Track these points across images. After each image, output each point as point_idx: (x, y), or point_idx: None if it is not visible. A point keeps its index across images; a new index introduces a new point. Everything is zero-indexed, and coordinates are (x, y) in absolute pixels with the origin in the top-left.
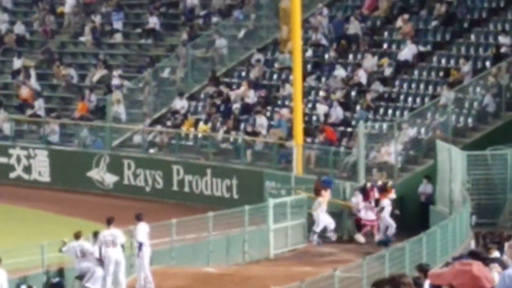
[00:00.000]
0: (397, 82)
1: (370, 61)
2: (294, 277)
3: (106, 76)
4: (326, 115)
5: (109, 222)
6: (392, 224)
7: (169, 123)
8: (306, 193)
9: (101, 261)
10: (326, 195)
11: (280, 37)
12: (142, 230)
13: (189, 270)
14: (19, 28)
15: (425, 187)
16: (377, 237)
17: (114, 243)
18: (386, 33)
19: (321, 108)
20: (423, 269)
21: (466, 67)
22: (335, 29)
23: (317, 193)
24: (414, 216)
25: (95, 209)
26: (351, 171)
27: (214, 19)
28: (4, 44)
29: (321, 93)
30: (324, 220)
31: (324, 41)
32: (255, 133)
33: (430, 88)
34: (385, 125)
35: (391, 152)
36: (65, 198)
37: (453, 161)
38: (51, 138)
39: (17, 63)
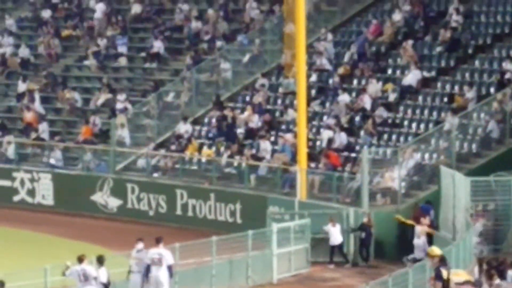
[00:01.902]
0: (401, 108)
1: (374, 87)
2: None
3: (111, 99)
4: (330, 140)
5: (158, 241)
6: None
7: (173, 147)
8: (405, 221)
9: (107, 286)
10: (425, 222)
11: (284, 62)
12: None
13: None
14: (24, 52)
15: None
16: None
17: (160, 263)
18: (390, 59)
19: (325, 133)
20: None
21: (471, 93)
22: (359, 47)
23: (417, 220)
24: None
25: (99, 233)
26: (355, 196)
27: (219, 43)
28: (9, 68)
29: (330, 121)
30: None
31: (328, 66)
32: (259, 158)
33: (434, 114)
34: (389, 151)
35: (395, 178)
36: (68, 222)
37: (456, 187)
38: (53, 162)
39: (22, 86)
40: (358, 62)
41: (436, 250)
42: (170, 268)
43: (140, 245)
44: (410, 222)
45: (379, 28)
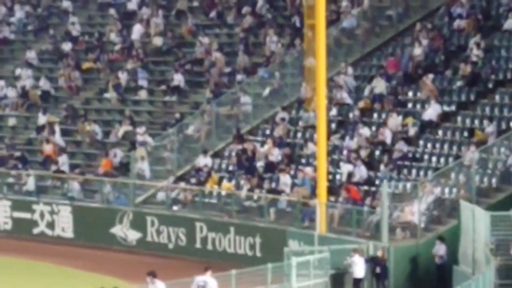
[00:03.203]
0: (421, 142)
1: (394, 121)
2: None
3: (131, 132)
4: (350, 174)
5: (206, 269)
6: None
7: (193, 180)
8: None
9: None
10: None
11: (304, 95)
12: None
13: None
14: (44, 84)
15: (438, 248)
16: None
17: None
18: (410, 93)
19: (345, 167)
20: None
21: (490, 128)
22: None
23: None
24: (429, 277)
25: (118, 266)
26: (375, 230)
27: (239, 76)
28: (29, 100)
29: (353, 155)
30: None
31: (348, 100)
32: (278, 191)
33: (454, 148)
34: (409, 185)
35: (414, 212)
36: (88, 254)
37: (476, 222)
38: (73, 194)
39: (42, 119)
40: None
41: None
42: None
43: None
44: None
45: (399, 62)
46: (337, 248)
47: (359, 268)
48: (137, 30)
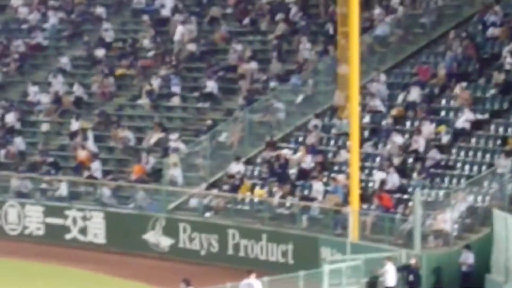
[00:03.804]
0: (454, 150)
1: (427, 128)
2: None
3: (163, 139)
4: (383, 182)
5: (250, 272)
6: None
7: (225, 187)
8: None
9: None
10: None
11: (337, 103)
12: None
13: None
14: (78, 90)
15: (466, 257)
16: None
17: None
18: (443, 101)
19: (378, 175)
20: None
21: None
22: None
23: None
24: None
25: (150, 272)
26: (407, 238)
27: (272, 83)
28: (62, 106)
29: (386, 163)
30: None
31: (381, 108)
32: (311, 199)
33: (487, 156)
34: (441, 193)
35: (447, 220)
36: (120, 261)
37: (509, 230)
38: (106, 200)
39: (75, 125)
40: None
41: None
42: None
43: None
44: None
45: (431, 70)
46: (371, 257)
47: (391, 276)
48: (179, 31)
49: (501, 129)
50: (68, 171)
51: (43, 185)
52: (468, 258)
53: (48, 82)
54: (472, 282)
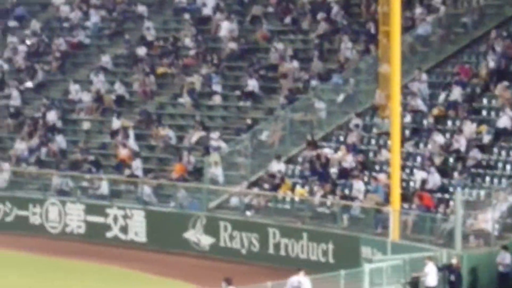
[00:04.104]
0: (495, 150)
1: (468, 128)
2: None
3: (204, 137)
4: (424, 181)
5: (299, 269)
6: None
7: (266, 186)
8: None
9: None
10: None
11: (378, 102)
12: None
13: None
14: (119, 89)
15: (503, 257)
16: None
17: None
18: (485, 100)
19: (419, 174)
20: None
21: None
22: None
23: None
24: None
25: (191, 271)
26: (448, 238)
27: (313, 82)
28: (103, 104)
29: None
30: None
31: (422, 107)
32: (352, 198)
33: None
34: (482, 193)
35: (488, 220)
36: (160, 259)
37: None
38: (147, 199)
39: (116, 123)
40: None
41: None
42: None
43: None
44: None
45: (472, 69)
46: (413, 256)
47: (431, 276)
48: (224, 27)
49: None
50: (109, 169)
51: (84, 183)
52: (505, 258)
53: (89, 80)
54: (509, 282)
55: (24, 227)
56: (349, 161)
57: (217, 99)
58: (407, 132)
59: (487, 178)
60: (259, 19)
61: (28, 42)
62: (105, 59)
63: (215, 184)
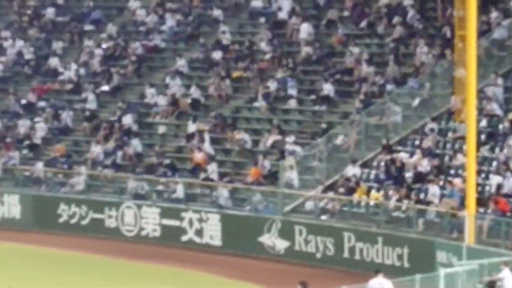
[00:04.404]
0: None
1: None
2: None
3: (280, 141)
4: (499, 186)
5: (377, 271)
6: None
7: (341, 190)
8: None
9: None
10: None
11: (454, 106)
12: None
13: None
14: (195, 92)
15: None
16: None
17: None
18: None
19: (494, 179)
20: None
21: None
22: None
23: None
24: None
25: (266, 274)
26: None
27: (389, 87)
28: (179, 108)
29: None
30: None
31: (498, 112)
32: (427, 202)
33: None
34: None
35: None
36: (236, 263)
37: None
38: (222, 202)
39: (192, 127)
40: None
41: None
42: None
43: None
44: None
45: None
46: (489, 261)
47: (508, 282)
48: (303, 30)
49: None
50: (184, 173)
51: (160, 187)
52: None
53: (165, 84)
54: None
55: (99, 230)
56: (425, 165)
57: (292, 103)
58: (483, 137)
59: None
60: (334, 23)
61: (104, 45)
62: (181, 63)
63: (290, 188)
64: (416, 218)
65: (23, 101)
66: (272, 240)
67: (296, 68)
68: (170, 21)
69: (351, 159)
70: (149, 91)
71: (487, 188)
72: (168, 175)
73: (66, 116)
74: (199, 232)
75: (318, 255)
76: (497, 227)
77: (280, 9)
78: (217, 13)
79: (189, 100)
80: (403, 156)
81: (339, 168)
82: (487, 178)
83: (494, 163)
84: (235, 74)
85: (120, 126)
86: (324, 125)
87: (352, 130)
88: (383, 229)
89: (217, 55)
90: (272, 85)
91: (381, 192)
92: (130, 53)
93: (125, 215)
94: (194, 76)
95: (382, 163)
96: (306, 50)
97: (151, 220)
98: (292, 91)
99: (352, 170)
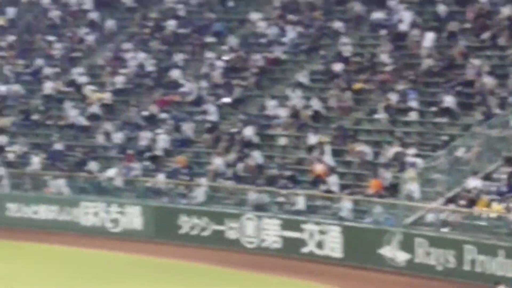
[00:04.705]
0: None
1: None
2: None
3: (400, 153)
4: None
5: (496, 283)
6: None
7: (462, 202)
8: None
9: None
10: None
11: None
12: None
13: None
14: (315, 104)
15: None
16: None
17: None
18: None
19: None
20: None
21: None
22: None
23: None
24: None
25: (387, 286)
26: None
27: (511, 99)
28: (300, 120)
29: None
30: None
31: None
32: None
33: None
34: None
35: None
36: (356, 275)
37: None
38: (343, 214)
39: (313, 139)
40: None
41: None
42: None
43: None
44: None
45: None
46: None
47: None
48: (428, 38)
49: None
50: (305, 184)
51: (280, 199)
52: None
53: (286, 96)
54: None
55: (220, 242)
56: None
57: (413, 115)
58: None
59: None
60: (455, 35)
61: (225, 58)
62: (302, 75)
63: (411, 200)
64: None
65: (145, 113)
66: (392, 252)
67: (417, 80)
68: (291, 33)
69: (473, 171)
70: (270, 103)
71: None
72: (288, 186)
73: (187, 128)
74: (320, 244)
75: (439, 268)
76: None
77: (401, 21)
78: (338, 25)
79: (310, 112)
80: None
81: (460, 181)
82: None
83: None
84: (356, 86)
85: (241, 138)
86: (445, 137)
87: (474, 142)
88: (505, 241)
89: (337, 67)
90: (393, 97)
91: (503, 205)
92: (251, 65)
93: (246, 226)
94: (315, 88)
95: (504, 176)
96: (427, 62)
97: (271, 231)
98: (413, 103)
99: (473, 183)
